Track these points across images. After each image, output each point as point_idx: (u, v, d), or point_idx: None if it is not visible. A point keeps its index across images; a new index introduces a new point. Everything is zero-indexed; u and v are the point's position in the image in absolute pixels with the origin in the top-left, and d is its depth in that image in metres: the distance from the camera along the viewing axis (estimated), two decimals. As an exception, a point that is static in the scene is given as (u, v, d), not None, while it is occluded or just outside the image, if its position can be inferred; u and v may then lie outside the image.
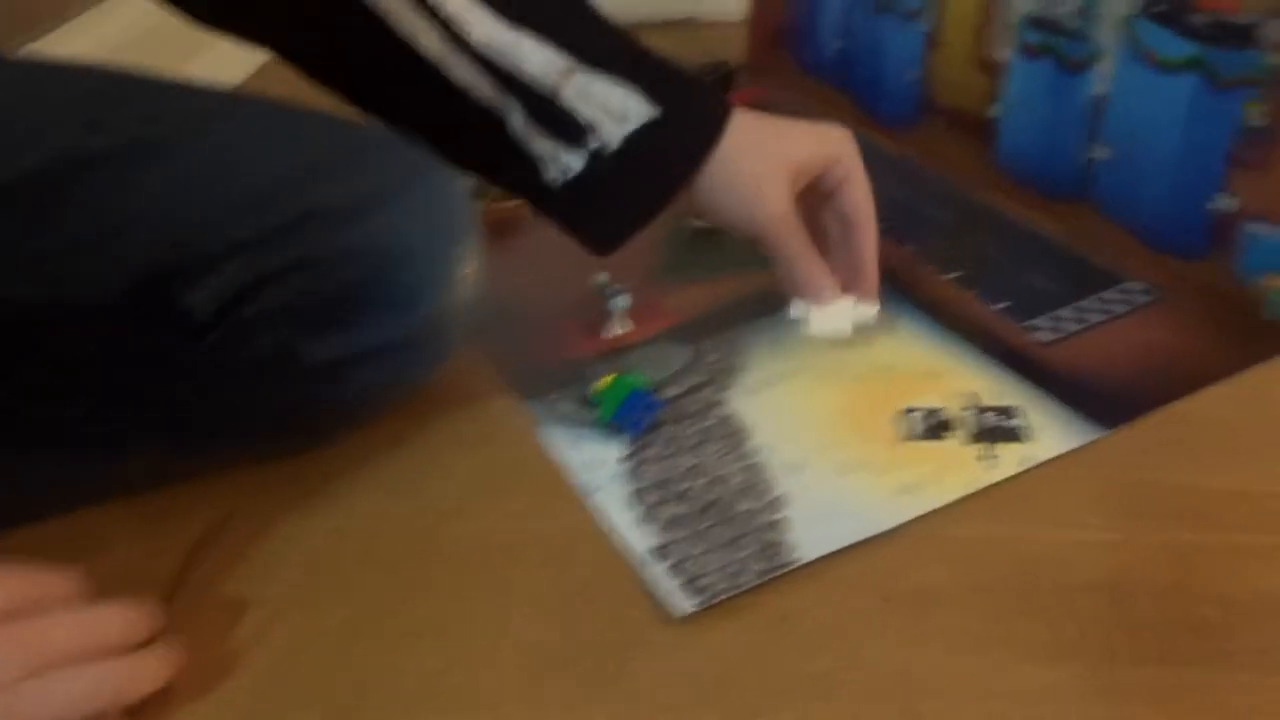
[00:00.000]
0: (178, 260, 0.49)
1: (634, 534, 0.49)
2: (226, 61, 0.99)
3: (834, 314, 0.56)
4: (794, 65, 0.95)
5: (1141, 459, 0.51)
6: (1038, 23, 0.69)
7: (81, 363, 0.50)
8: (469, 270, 0.53)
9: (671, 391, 0.58)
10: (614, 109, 0.49)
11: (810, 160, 0.54)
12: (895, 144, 0.84)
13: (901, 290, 0.65)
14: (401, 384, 0.56)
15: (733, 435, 0.55)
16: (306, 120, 0.53)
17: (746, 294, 0.65)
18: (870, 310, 0.57)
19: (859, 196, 0.55)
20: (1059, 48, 0.68)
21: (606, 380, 0.56)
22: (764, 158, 0.52)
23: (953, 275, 0.66)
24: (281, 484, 0.54)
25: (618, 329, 0.62)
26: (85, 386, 0.51)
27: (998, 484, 0.50)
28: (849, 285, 0.57)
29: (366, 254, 0.50)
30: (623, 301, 0.62)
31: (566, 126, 0.50)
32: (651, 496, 0.51)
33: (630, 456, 0.54)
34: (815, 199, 0.56)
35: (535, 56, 0.49)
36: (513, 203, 0.77)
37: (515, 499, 0.52)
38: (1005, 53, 0.72)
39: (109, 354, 0.50)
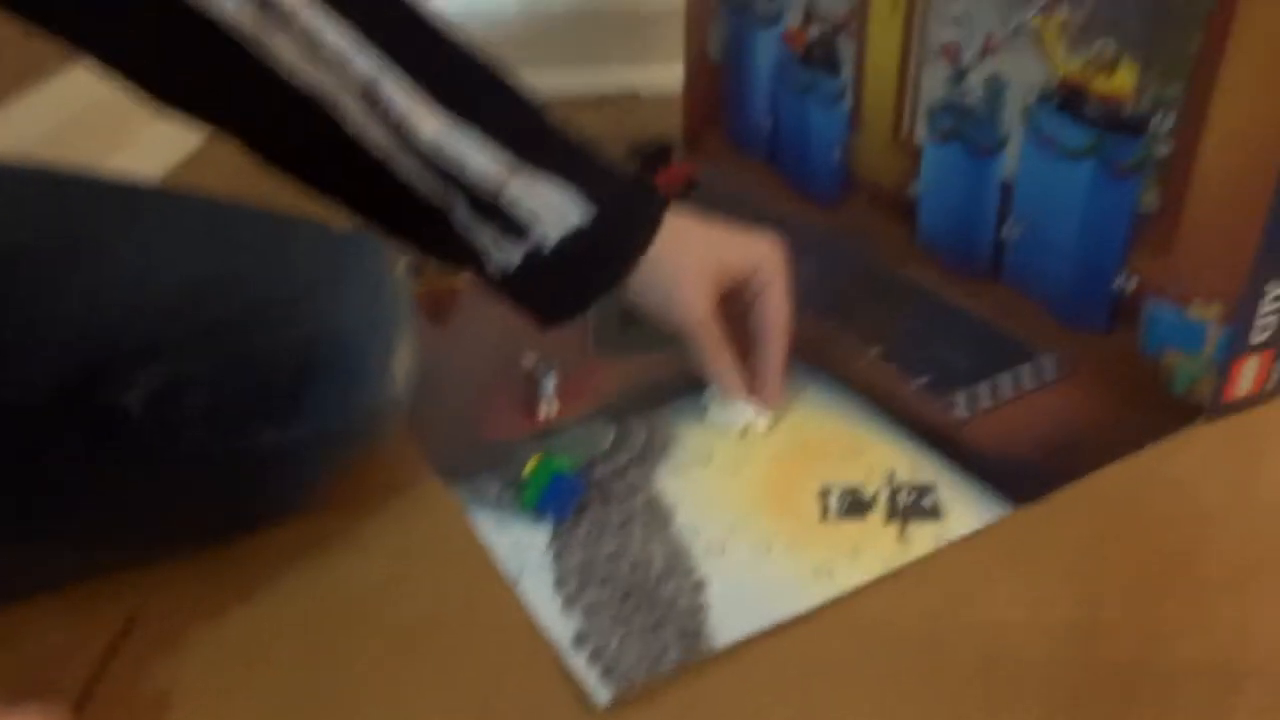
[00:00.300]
0: (106, 359, 0.48)
1: (556, 621, 0.49)
2: (153, 152, 0.99)
3: (732, 410, 0.61)
4: (727, 141, 0.98)
5: (1049, 535, 0.53)
6: (948, 109, 0.72)
7: (8, 462, 0.50)
8: (403, 357, 0.54)
9: (598, 472, 0.58)
10: (553, 208, 0.52)
11: (733, 270, 0.58)
12: (823, 219, 0.86)
13: (823, 366, 0.66)
14: (337, 472, 0.56)
15: (657, 517, 0.56)
16: (236, 214, 0.54)
17: (673, 372, 0.66)
18: (763, 420, 0.61)
19: (774, 309, 0.59)
20: (968, 133, 0.71)
21: (531, 463, 0.56)
22: (690, 263, 0.56)
23: (873, 351, 0.68)
24: (200, 574, 0.53)
25: (545, 409, 0.63)
26: (12, 485, 0.51)
27: (912, 562, 0.51)
28: (754, 390, 0.60)
29: (300, 346, 0.50)
30: (551, 381, 0.63)
31: (507, 222, 0.52)
32: (575, 581, 0.52)
33: (555, 540, 0.54)
34: (740, 303, 0.60)
35: (479, 156, 0.51)
36: (446, 281, 0.79)
37: (440, 585, 0.52)
38: (921, 135, 0.75)
39: (37, 453, 0.50)
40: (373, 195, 0.52)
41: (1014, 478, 0.56)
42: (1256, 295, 0.57)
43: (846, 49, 0.80)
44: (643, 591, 0.51)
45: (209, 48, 0.47)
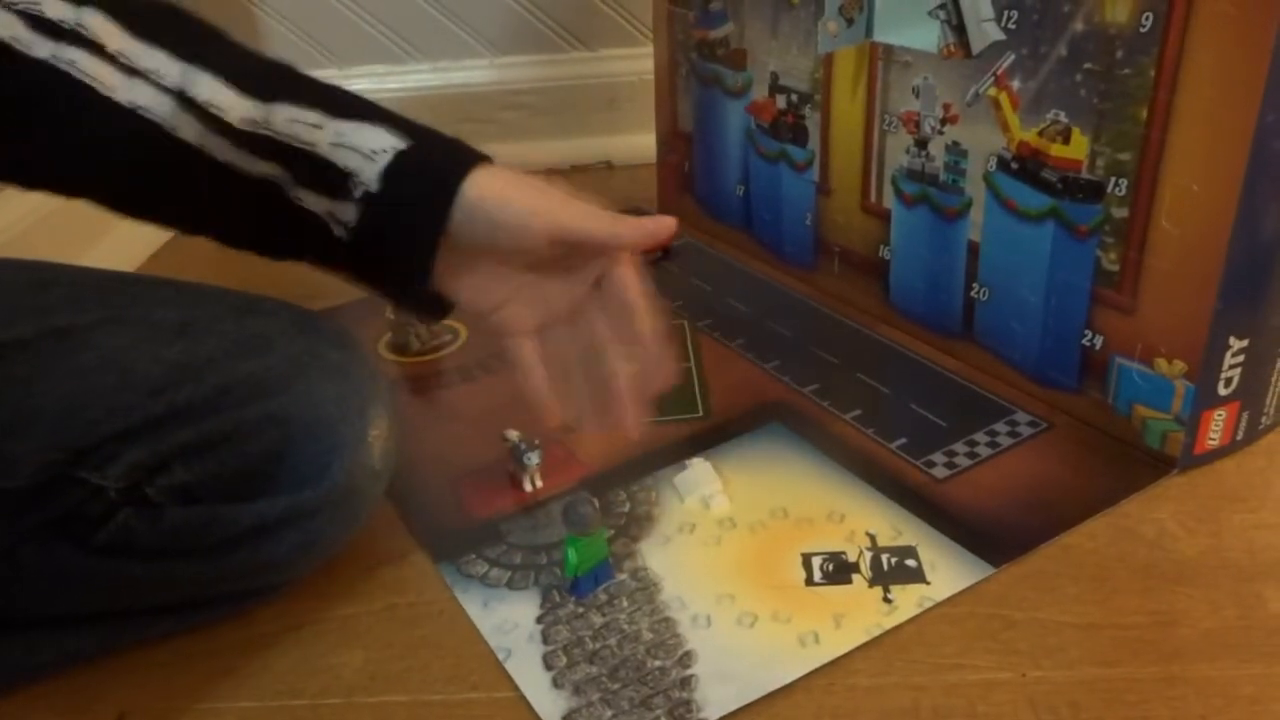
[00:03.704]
0: (86, 442, 0.49)
1: (545, 700, 0.49)
2: (127, 245, 1.01)
3: (692, 484, 0.62)
4: (701, 209, 1.00)
5: (1031, 596, 0.53)
6: (913, 175, 0.74)
7: None
8: (380, 431, 0.54)
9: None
10: (366, 149, 0.49)
11: (580, 223, 0.51)
12: (799, 284, 0.88)
13: (801, 431, 0.67)
14: (318, 549, 0.56)
15: (644, 589, 0.56)
16: (209, 298, 0.55)
17: (656, 444, 0.67)
18: (722, 500, 0.62)
19: (628, 275, 0.52)
20: (933, 198, 0.73)
21: (587, 539, 0.55)
22: (529, 185, 0.50)
23: (851, 415, 0.69)
24: (188, 667, 0.53)
25: (529, 486, 0.64)
26: None
27: (896, 626, 0.52)
28: (648, 379, 0.52)
29: (274, 424, 0.51)
30: (534, 458, 0.64)
31: (332, 177, 0.50)
32: (563, 659, 0.52)
33: (544, 618, 0.54)
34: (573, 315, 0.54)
35: (291, 122, 0.50)
36: (426, 358, 0.79)
37: (428, 666, 0.52)
38: (889, 201, 0.77)
39: (17, 538, 0.50)
40: (209, 200, 0.51)
41: (994, 537, 0.57)
42: (1218, 349, 0.59)
43: (812, 119, 0.82)
44: (631, 666, 0.51)
45: (39, 95, 0.48)
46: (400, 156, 0.49)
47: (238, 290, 0.55)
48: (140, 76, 0.49)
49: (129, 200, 0.53)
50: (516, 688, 0.50)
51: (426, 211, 0.50)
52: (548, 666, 0.51)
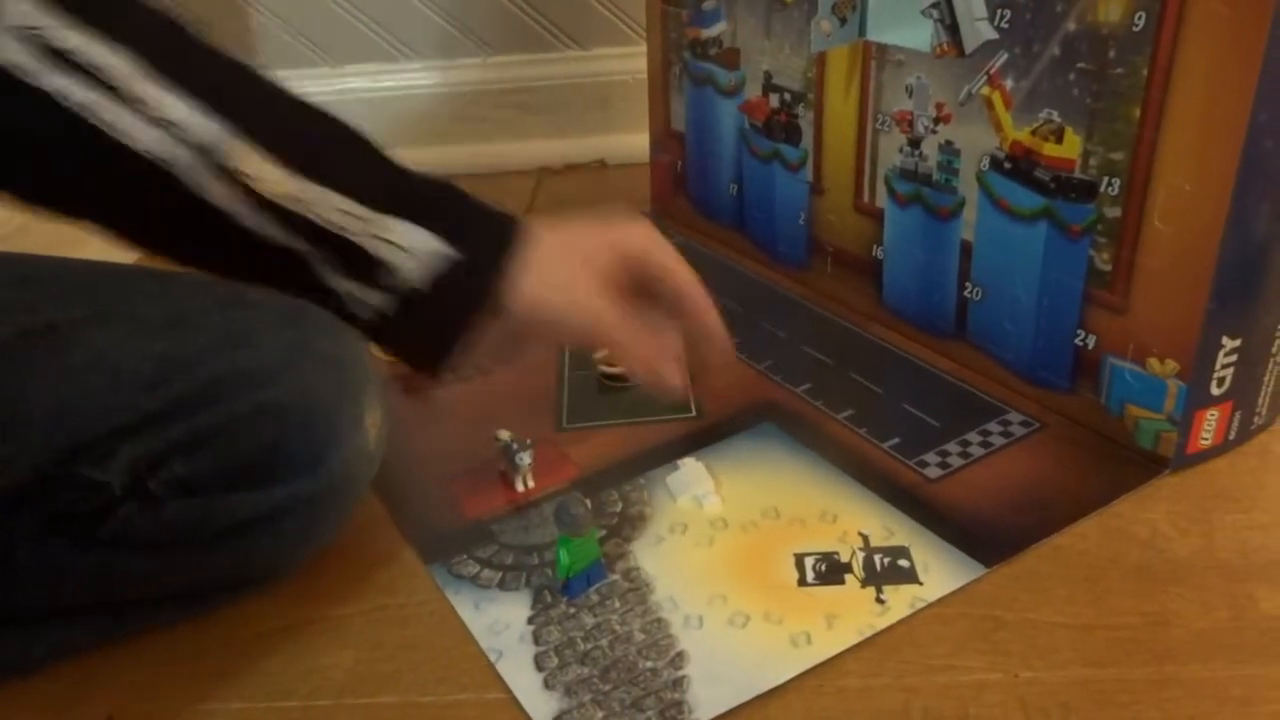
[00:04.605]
0: (83, 439, 0.49)
1: (537, 701, 0.49)
2: (115, 247, 1.00)
3: (686, 484, 0.62)
4: (694, 208, 1.00)
5: (1020, 597, 0.53)
6: (906, 174, 0.74)
7: None
8: (373, 422, 0.54)
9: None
10: (407, 247, 0.50)
11: (610, 253, 0.54)
12: (792, 283, 0.88)
13: (794, 431, 0.67)
14: (316, 535, 0.56)
15: (636, 590, 0.56)
16: (197, 290, 0.55)
17: (649, 443, 0.67)
18: (715, 500, 0.61)
19: (680, 276, 0.55)
20: (926, 198, 0.73)
21: (579, 539, 0.55)
22: (566, 266, 0.52)
23: (844, 415, 0.69)
24: (178, 668, 0.53)
25: (521, 486, 0.64)
26: None
27: (889, 627, 0.52)
28: (704, 357, 0.57)
29: (271, 415, 0.51)
30: (526, 458, 0.63)
31: (367, 267, 0.50)
32: (555, 659, 0.51)
33: (535, 618, 0.54)
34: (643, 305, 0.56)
35: (323, 199, 0.49)
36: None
37: (419, 667, 0.52)
38: (882, 200, 0.77)
39: (16, 536, 0.50)
40: (230, 258, 0.51)
41: (987, 537, 0.57)
42: (1211, 349, 0.59)
43: (805, 118, 0.82)
44: (623, 667, 0.51)
45: (44, 129, 0.47)
46: (442, 262, 0.50)
47: (224, 282, 0.55)
48: (161, 126, 0.48)
49: (134, 237, 0.52)
50: (507, 689, 0.50)
51: (461, 322, 0.52)
52: (539, 667, 0.51)
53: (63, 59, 0.46)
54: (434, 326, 0.52)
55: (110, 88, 0.47)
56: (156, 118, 0.47)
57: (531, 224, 0.53)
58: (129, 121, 0.47)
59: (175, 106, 0.48)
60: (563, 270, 0.52)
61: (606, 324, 0.53)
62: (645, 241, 0.55)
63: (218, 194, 0.48)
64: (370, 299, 0.51)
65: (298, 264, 0.50)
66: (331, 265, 0.50)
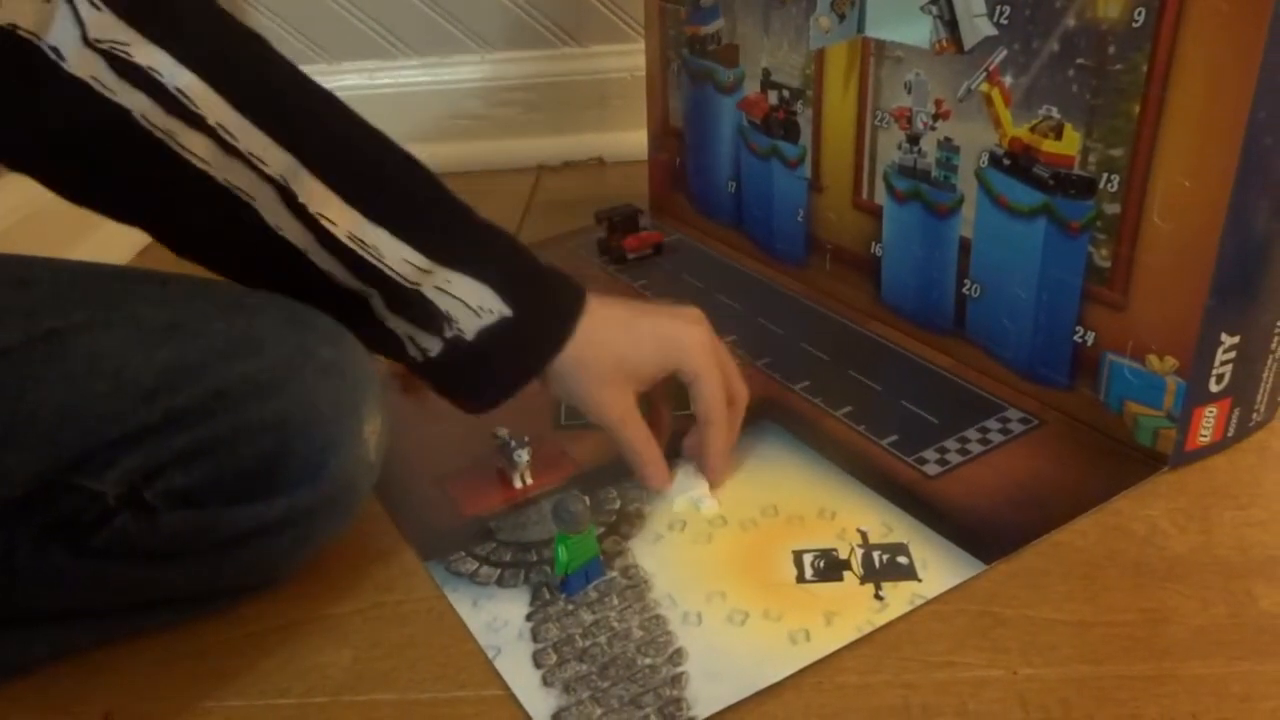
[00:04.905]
0: (81, 448, 0.48)
1: (535, 698, 0.49)
2: (112, 244, 1.00)
3: (682, 485, 0.62)
4: (692, 205, 1.00)
5: (1018, 594, 0.53)
6: (904, 171, 0.74)
7: None
8: (372, 431, 0.54)
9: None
10: (471, 304, 0.54)
11: (654, 370, 0.59)
12: (790, 281, 0.88)
13: (792, 428, 0.67)
14: (315, 544, 0.56)
15: (634, 587, 0.56)
16: (198, 294, 0.54)
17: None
18: (711, 503, 0.61)
19: (707, 396, 0.59)
20: (925, 195, 0.73)
21: (577, 535, 0.55)
22: (606, 367, 0.57)
23: (842, 411, 0.69)
24: (175, 668, 0.53)
25: (519, 483, 0.64)
26: None
27: (888, 623, 0.52)
28: (701, 469, 0.62)
29: (273, 427, 0.50)
30: (523, 455, 0.63)
31: (424, 315, 0.54)
32: (553, 656, 0.51)
33: (533, 615, 0.54)
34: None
35: (392, 254, 0.52)
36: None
37: (417, 665, 0.52)
38: (881, 197, 0.77)
39: (14, 544, 0.50)
40: (291, 287, 0.53)
41: (985, 534, 0.57)
42: (1210, 346, 0.58)
43: (804, 115, 0.82)
44: (621, 664, 0.50)
45: (119, 145, 0.48)
46: (503, 323, 0.54)
47: (225, 284, 0.55)
48: (239, 157, 0.49)
49: (187, 247, 0.54)
50: (506, 686, 0.50)
51: (508, 380, 0.57)
52: (537, 664, 0.51)
53: (142, 75, 0.46)
54: (481, 377, 0.56)
55: (189, 111, 0.47)
56: (236, 149, 0.48)
57: (590, 300, 0.57)
58: (205, 147, 0.48)
59: (253, 136, 0.49)
60: (606, 366, 0.57)
61: (628, 435, 0.59)
62: (696, 368, 0.58)
63: (293, 233, 0.50)
64: (424, 342, 0.54)
65: (360, 302, 0.53)
66: (393, 310, 0.53)
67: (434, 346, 0.54)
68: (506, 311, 0.54)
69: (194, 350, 0.51)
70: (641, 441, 0.59)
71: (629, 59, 1.18)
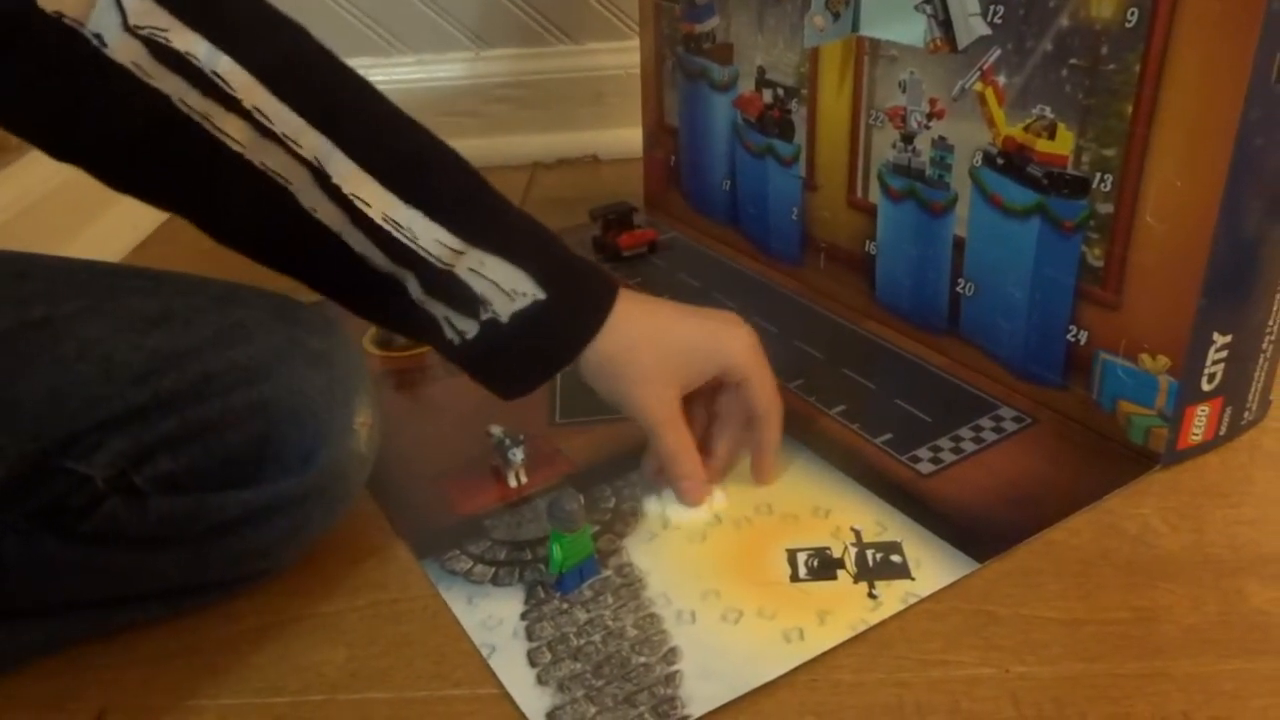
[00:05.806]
0: (70, 432, 0.49)
1: (529, 696, 0.49)
2: (115, 232, 1.00)
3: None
4: (687, 203, 1.00)
5: (1011, 592, 0.53)
6: (899, 170, 0.74)
7: None
8: (364, 422, 0.54)
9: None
10: (505, 287, 0.53)
11: (700, 371, 0.58)
12: (785, 279, 0.88)
13: (787, 426, 0.67)
14: (306, 534, 0.56)
15: (629, 585, 0.56)
16: (191, 287, 0.55)
17: (642, 439, 0.67)
18: (721, 497, 0.61)
19: (762, 395, 0.58)
20: (920, 193, 0.73)
21: (571, 534, 0.55)
22: (650, 364, 0.56)
23: (836, 410, 0.69)
24: (169, 665, 0.53)
25: (514, 482, 0.64)
26: None
27: (881, 622, 0.52)
28: (753, 469, 0.62)
29: (260, 412, 0.51)
30: (518, 453, 0.63)
31: (459, 299, 0.53)
32: (548, 655, 0.51)
33: (528, 614, 0.54)
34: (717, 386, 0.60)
35: (428, 237, 0.52)
36: (410, 352, 0.79)
37: (411, 663, 0.52)
38: (875, 196, 0.77)
39: (4, 529, 0.50)
40: (327, 271, 0.53)
41: (979, 533, 0.57)
42: (1202, 345, 0.59)
43: (799, 114, 0.82)
44: (615, 663, 0.51)
45: (158, 129, 0.48)
46: (537, 307, 0.53)
47: (217, 279, 0.55)
48: (274, 140, 0.49)
49: (224, 233, 0.53)
50: (500, 684, 0.50)
51: (543, 365, 0.56)
52: (532, 663, 0.51)
53: (180, 60, 0.46)
54: (516, 361, 0.55)
55: (226, 94, 0.47)
56: (271, 131, 0.48)
57: (626, 294, 0.56)
58: (241, 130, 0.48)
59: (287, 118, 0.49)
60: (648, 363, 0.56)
61: (669, 440, 0.58)
62: (746, 369, 0.58)
63: (329, 215, 0.50)
64: (460, 325, 0.54)
65: (396, 287, 0.52)
66: (428, 292, 0.53)
67: (470, 329, 0.53)
68: (540, 295, 0.53)
69: (184, 337, 0.51)
70: (684, 450, 0.58)
71: (624, 56, 1.17)
